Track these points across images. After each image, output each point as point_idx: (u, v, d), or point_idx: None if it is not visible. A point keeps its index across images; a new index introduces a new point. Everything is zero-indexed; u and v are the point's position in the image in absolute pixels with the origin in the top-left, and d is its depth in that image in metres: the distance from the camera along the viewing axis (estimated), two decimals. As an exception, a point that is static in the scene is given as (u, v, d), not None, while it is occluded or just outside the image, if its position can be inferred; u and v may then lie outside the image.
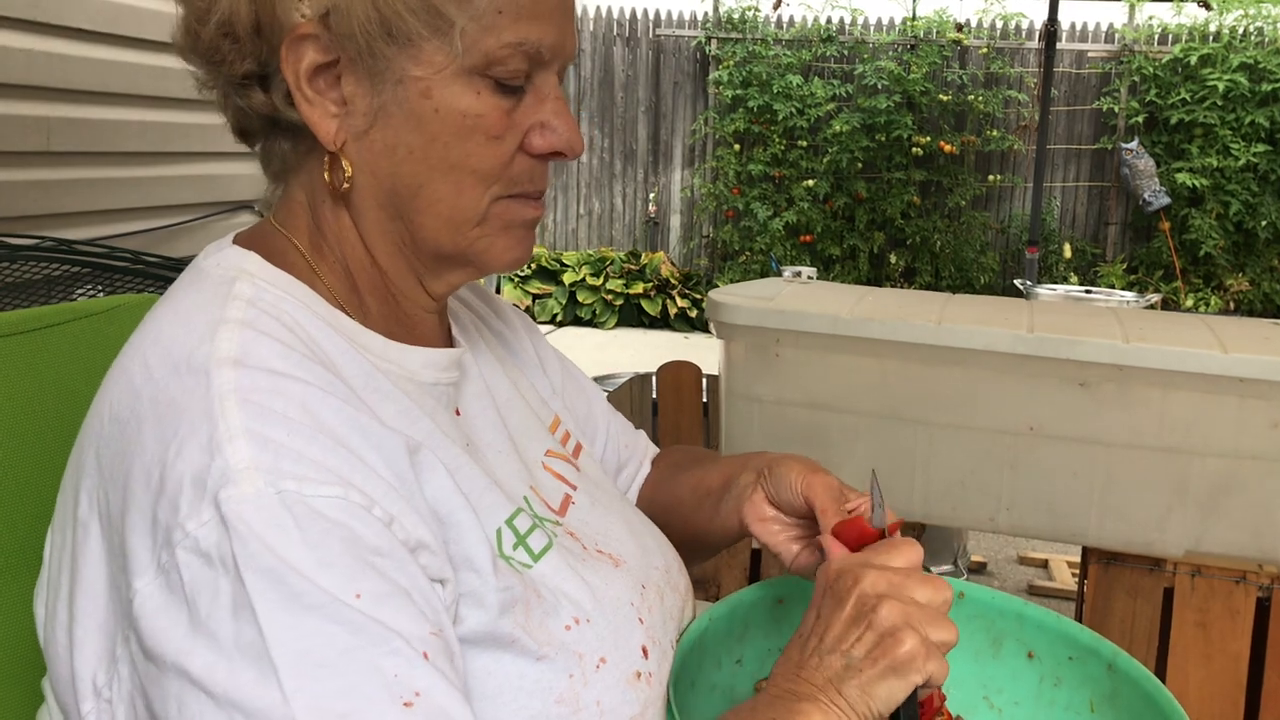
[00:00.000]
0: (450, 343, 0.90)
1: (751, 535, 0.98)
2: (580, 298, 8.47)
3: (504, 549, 0.78)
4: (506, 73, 0.77)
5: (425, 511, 0.72)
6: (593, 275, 8.57)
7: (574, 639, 0.77)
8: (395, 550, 0.67)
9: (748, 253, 8.78)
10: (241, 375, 0.69)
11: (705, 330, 8.17)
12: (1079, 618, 2.15)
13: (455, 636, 0.71)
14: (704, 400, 2.88)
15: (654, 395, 2.86)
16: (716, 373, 2.18)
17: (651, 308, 8.46)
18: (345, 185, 0.78)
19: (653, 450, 1.20)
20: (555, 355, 1.11)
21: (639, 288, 8.51)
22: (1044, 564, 3.95)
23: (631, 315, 8.52)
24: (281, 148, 0.82)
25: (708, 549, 1.08)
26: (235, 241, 0.82)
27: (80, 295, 2.62)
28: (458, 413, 0.86)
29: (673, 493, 1.10)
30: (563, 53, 0.80)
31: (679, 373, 2.79)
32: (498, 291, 5.74)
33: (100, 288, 2.62)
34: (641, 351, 7.49)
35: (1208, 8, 8.13)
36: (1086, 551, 1.96)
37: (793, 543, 0.95)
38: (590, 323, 8.42)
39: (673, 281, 8.63)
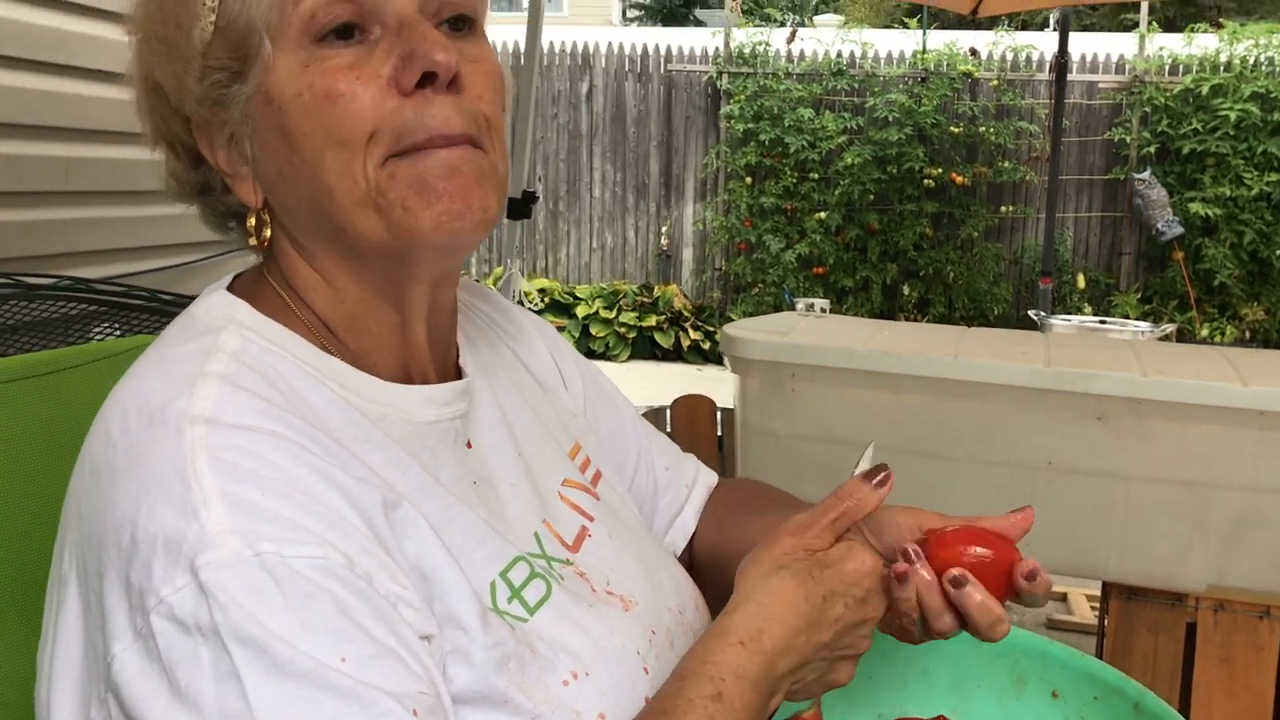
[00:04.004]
0: (457, 372, 0.88)
1: None
2: (593, 331, 8.48)
3: (498, 603, 0.75)
4: (324, 25, 0.72)
5: (405, 567, 0.70)
6: (606, 308, 8.59)
7: (572, 695, 0.74)
8: (380, 608, 0.66)
9: (760, 285, 8.78)
10: (213, 432, 0.67)
11: (718, 362, 8.17)
12: (1100, 653, 2.13)
13: (446, 692, 0.69)
14: (719, 434, 2.87)
15: (668, 429, 2.85)
16: (730, 405, 2.18)
17: (664, 340, 8.47)
18: (252, 240, 0.79)
19: (707, 477, 1.13)
20: (581, 371, 1.06)
21: (652, 320, 8.52)
22: (1063, 597, 3.91)
23: (645, 348, 8.53)
24: (240, 231, 0.83)
25: None
26: (231, 286, 0.82)
27: (97, 333, 2.63)
28: (469, 445, 0.84)
29: (745, 537, 1.02)
30: None
31: (693, 406, 2.79)
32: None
33: (117, 326, 2.64)
34: (655, 384, 7.48)
35: (1219, 25, 8.15)
36: (1107, 586, 1.94)
37: None
38: (603, 356, 8.43)
39: (685, 314, 8.64)
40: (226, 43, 0.74)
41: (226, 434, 0.67)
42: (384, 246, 0.75)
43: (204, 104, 0.76)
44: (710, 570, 1.08)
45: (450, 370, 0.88)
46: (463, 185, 0.74)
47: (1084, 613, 3.72)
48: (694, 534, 1.11)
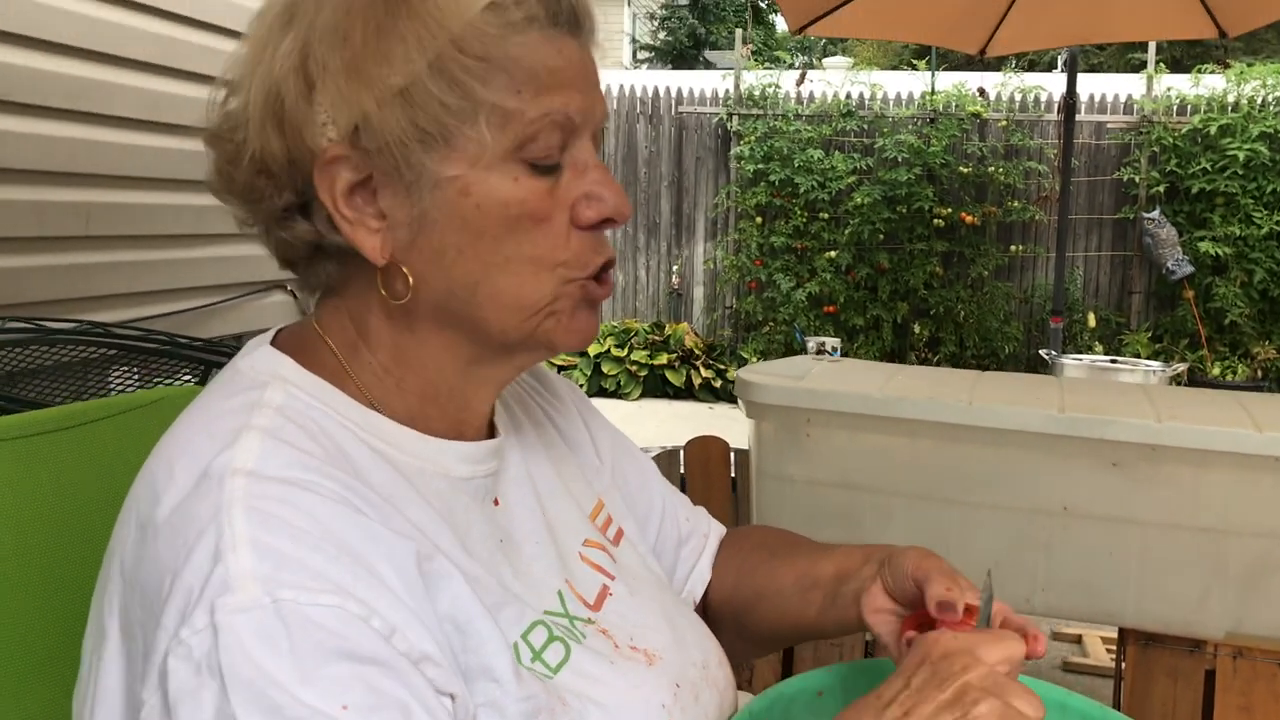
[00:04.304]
0: (492, 430, 0.90)
1: (868, 627, 0.94)
2: (605, 369, 8.49)
3: (522, 661, 0.76)
4: (540, 150, 0.76)
5: (434, 622, 0.71)
6: (617, 347, 8.61)
7: None
8: (394, 661, 0.66)
9: (771, 323, 8.80)
10: (252, 484, 0.69)
11: (730, 400, 8.16)
12: (1116, 699, 2.11)
13: None
14: (732, 475, 2.86)
15: (682, 470, 2.85)
16: (744, 446, 2.18)
17: (676, 378, 8.47)
18: (408, 295, 0.78)
19: (718, 528, 1.17)
20: (608, 429, 1.09)
21: (663, 359, 8.53)
22: (1078, 639, 3.88)
23: (656, 386, 8.53)
24: (326, 269, 0.82)
25: (804, 638, 1.05)
26: (274, 341, 0.83)
27: (115, 377, 2.65)
28: (496, 502, 0.85)
29: (770, 580, 1.06)
30: (593, 117, 0.80)
31: (707, 448, 2.79)
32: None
33: (135, 370, 2.66)
34: (667, 422, 7.48)
35: (1226, 65, 8.19)
36: (1124, 632, 1.93)
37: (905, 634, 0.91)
38: (615, 394, 8.43)
39: (697, 352, 8.65)
40: (460, 99, 0.74)
41: (266, 485, 0.69)
42: (512, 342, 0.80)
43: (371, 146, 0.74)
44: (731, 616, 1.10)
45: (485, 428, 0.89)
46: (596, 317, 0.83)
47: (1099, 655, 3.69)
48: (710, 582, 1.12)
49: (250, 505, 0.68)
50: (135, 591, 0.69)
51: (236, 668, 0.62)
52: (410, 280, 0.78)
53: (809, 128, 8.68)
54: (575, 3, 0.78)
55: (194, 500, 0.69)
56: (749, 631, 1.08)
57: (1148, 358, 7.53)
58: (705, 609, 1.11)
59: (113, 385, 2.62)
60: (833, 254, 8.61)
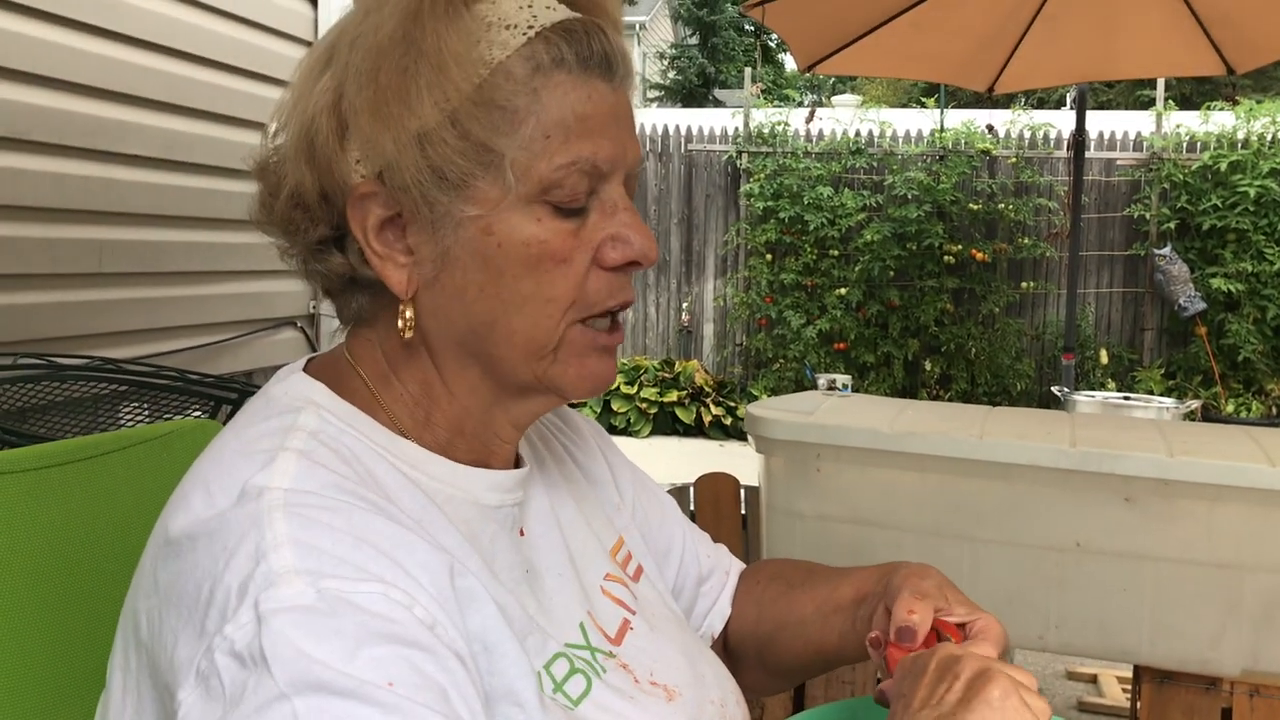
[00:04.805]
0: (517, 462, 0.91)
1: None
2: (615, 406, 8.49)
3: (544, 691, 0.77)
4: (565, 195, 0.77)
5: (464, 636, 0.72)
6: (627, 384, 8.61)
7: None
8: (435, 647, 0.67)
9: (781, 360, 8.80)
10: (290, 495, 0.70)
11: (740, 438, 8.15)
12: (1134, 739, 2.08)
13: None
14: (742, 512, 2.85)
15: (692, 507, 2.84)
16: (754, 483, 2.18)
17: (686, 416, 8.46)
18: (408, 334, 0.79)
19: (738, 564, 1.17)
20: (629, 467, 1.10)
21: (673, 396, 8.52)
22: (1093, 679, 3.84)
23: (666, 423, 8.52)
24: (359, 301, 0.83)
25: (831, 666, 1.04)
26: (307, 368, 0.84)
27: (126, 413, 2.66)
28: (521, 533, 0.86)
29: (790, 610, 1.06)
30: (623, 162, 0.80)
31: (717, 485, 2.78)
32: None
33: (145, 405, 2.67)
34: (677, 460, 7.46)
35: (1234, 102, 8.22)
36: (1139, 670, 1.91)
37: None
38: (625, 431, 8.42)
39: (707, 389, 8.64)
40: (475, 148, 0.75)
41: (304, 496, 0.71)
42: (524, 384, 0.81)
43: (396, 185, 0.76)
44: (754, 649, 1.09)
45: (510, 460, 0.90)
46: (611, 364, 0.84)
47: (1115, 695, 3.64)
48: (730, 617, 1.12)
49: (290, 511, 0.69)
50: (170, 603, 0.69)
51: (280, 652, 0.63)
52: (410, 320, 0.79)
53: (818, 165, 8.73)
54: (607, 47, 0.79)
55: (233, 511, 0.70)
56: (772, 663, 1.08)
57: (1161, 394, 7.50)
58: (726, 644, 1.11)
59: (123, 421, 2.63)
60: (843, 291, 8.62)
